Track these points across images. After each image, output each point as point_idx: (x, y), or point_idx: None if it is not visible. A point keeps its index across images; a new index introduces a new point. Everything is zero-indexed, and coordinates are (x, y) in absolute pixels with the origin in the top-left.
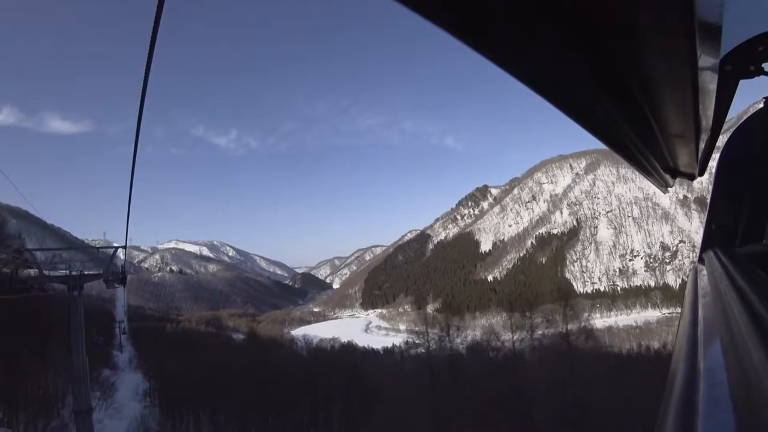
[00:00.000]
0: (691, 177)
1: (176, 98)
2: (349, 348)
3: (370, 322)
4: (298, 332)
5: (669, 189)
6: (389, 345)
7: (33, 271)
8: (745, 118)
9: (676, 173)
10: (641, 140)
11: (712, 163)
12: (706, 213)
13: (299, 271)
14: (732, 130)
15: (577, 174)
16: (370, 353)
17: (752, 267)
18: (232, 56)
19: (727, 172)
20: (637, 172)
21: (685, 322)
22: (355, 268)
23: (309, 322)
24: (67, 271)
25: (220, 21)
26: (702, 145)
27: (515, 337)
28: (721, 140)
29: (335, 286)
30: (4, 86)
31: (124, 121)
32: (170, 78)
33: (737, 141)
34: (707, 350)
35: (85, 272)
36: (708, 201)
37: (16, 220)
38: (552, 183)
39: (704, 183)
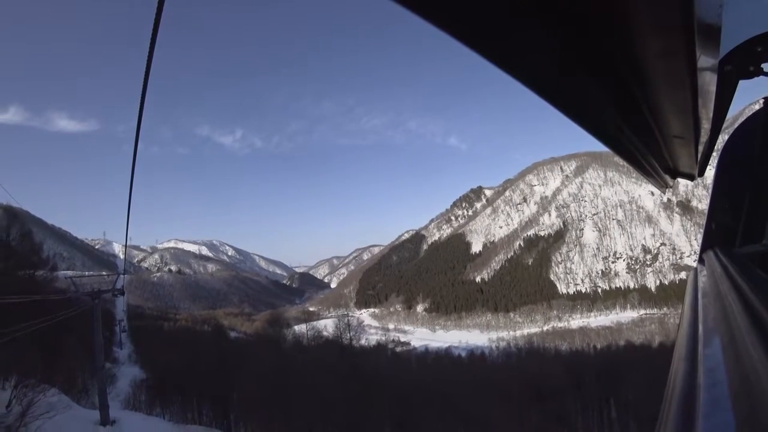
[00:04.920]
0: (691, 177)
1: (184, 98)
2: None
3: (363, 321)
4: (294, 330)
5: (667, 189)
6: (378, 343)
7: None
8: (744, 118)
9: (675, 174)
10: (641, 141)
11: (711, 164)
12: (706, 213)
13: (298, 270)
14: (731, 130)
15: (566, 176)
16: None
17: (752, 267)
18: (241, 56)
19: (727, 173)
20: (625, 174)
21: (686, 322)
22: (353, 267)
23: (304, 321)
24: (91, 288)
25: (229, 21)
26: (701, 146)
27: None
28: (721, 140)
29: (333, 285)
30: (13, 85)
31: (130, 121)
32: (178, 78)
33: (737, 141)
34: (707, 350)
35: (100, 289)
36: (693, 204)
37: (13, 219)
38: (543, 185)
39: (689, 186)
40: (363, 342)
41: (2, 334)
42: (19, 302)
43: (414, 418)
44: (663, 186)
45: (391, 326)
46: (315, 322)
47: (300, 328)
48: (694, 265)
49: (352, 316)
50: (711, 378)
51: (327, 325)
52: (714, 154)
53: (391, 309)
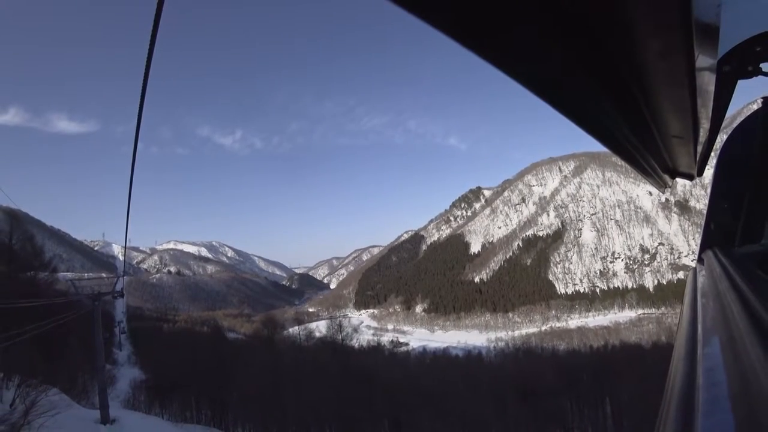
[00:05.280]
0: (690, 177)
1: (184, 99)
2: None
3: (362, 322)
4: (289, 332)
5: (666, 189)
6: (374, 343)
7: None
8: (743, 117)
9: (675, 174)
10: (640, 141)
11: (710, 163)
12: (705, 213)
13: (298, 271)
14: (729, 129)
15: (565, 177)
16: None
17: (751, 267)
18: (242, 57)
19: (726, 172)
20: (623, 174)
21: (685, 321)
22: (352, 268)
23: (302, 322)
24: (92, 291)
25: (230, 22)
26: (700, 146)
27: None
28: (720, 140)
29: (332, 286)
30: (14, 87)
31: (130, 122)
32: (178, 78)
33: (736, 141)
34: (706, 350)
35: (101, 292)
36: (691, 204)
37: (2, 214)
38: (541, 185)
39: (687, 185)
40: (363, 343)
41: (9, 337)
42: (25, 306)
43: (407, 416)
44: (662, 186)
45: (390, 327)
46: (312, 323)
47: (298, 329)
48: (692, 264)
49: (345, 316)
50: (710, 378)
51: (324, 326)
52: (713, 153)
53: (390, 310)
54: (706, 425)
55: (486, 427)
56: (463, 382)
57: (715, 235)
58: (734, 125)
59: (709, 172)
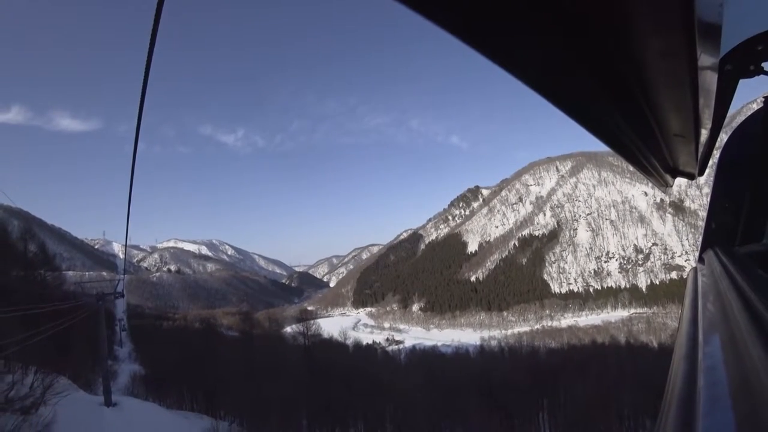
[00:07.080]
0: (691, 176)
1: (187, 97)
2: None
3: (359, 320)
4: (287, 330)
5: (668, 188)
6: (370, 341)
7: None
8: (744, 117)
9: (676, 173)
10: (641, 140)
11: (711, 163)
12: (706, 212)
13: (298, 269)
14: (729, 129)
15: (561, 176)
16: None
17: (752, 266)
18: (245, 56)
19: (727, 172)
20: (619, 174)
21: (686, 321)
22: (352, 267)
23: (300, 321)
24: (96, 292)
25: (232, 21)
26: (702, 145)
27: None
28: (721, 139)
29: (332, 284)
30: (17, 86)
31: (134, 120)
32: (182, 78)
33: (737, 140)
34: (707, 349)
35: (104, 293)
36: (686, 204)
37: (17, 221)
38: (538, 185)
39: (682, 186)
40: (361, 341)
41: (30, 336)
42: (37, 303)
43: (368, 407)
44: (663, 185)
45: (386, 325)
46: (309, 322)
47: (295, 327)
48: (685, 264)
49: (349, 314)
50: (711, 377)
51: (321, 325)
52: (714, 152)
53: (388, 308)
54: (707, 424)
55: (449, 418)
56: (437, 377)
57: (716, 235)
58: (734, 124)
59: (707, 171)
